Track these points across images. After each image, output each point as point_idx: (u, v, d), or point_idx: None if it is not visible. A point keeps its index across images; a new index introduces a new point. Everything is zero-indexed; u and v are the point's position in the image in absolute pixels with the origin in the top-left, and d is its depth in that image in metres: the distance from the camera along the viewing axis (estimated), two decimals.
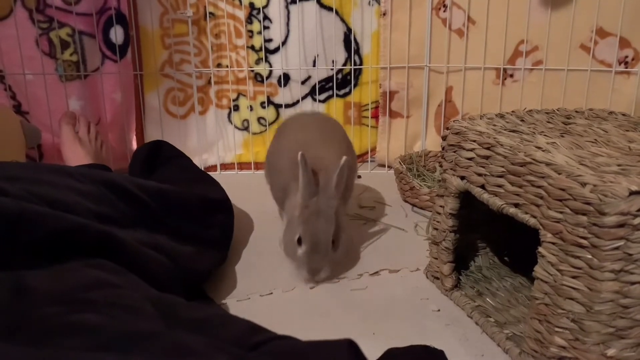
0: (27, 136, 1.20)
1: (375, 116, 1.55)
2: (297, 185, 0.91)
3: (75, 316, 0.42)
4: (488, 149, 0.76)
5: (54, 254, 0.62)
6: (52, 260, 0.61)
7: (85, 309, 0.43)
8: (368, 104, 1.53)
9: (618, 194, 0.56)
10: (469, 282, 0.91)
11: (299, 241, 0.89)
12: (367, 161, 1.57)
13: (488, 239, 0.98)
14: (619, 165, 0.62)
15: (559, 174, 0.64)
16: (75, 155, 1.12)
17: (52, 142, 1.36)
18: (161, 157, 1.11)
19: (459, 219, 0.86)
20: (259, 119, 1.54)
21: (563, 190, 0.62)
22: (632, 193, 0.56)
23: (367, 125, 1.55)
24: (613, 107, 1.28)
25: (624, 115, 0.90)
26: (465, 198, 0.84)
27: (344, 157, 0.90)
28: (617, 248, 0.58)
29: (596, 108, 0.94)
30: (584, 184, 0.60)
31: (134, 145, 1.49)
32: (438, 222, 0.89)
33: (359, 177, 1.44)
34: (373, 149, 1.57)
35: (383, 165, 1.55)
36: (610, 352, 0.60)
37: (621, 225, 0.57)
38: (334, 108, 1.53)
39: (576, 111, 0.91)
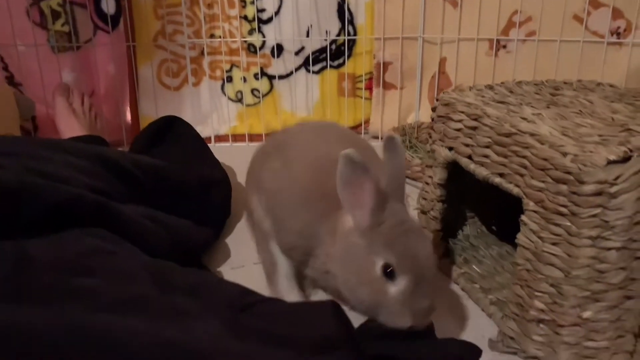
0: (20, 108, 1.20)
1: (369, 87, 1.55)
2: (332, 209, 0.65)
3: (74, 282, 0.44)
4: (475, 120, 0.78)
5: (53, 224, 0.64)
6: (52, 230, 0.63)
7: (84, 275, 0.45)
8: (362, 75, 1.53)
9: (596, 163, 0.58)
10: (457, 250, 0.93)
11: (388, 272, 0.59)
12: (361, 133, 1.58)
13: (477, 209, 1.00)
14: (600, 135, 0.64)
15: (542, 144, 0.65)
16: (70, 127, 1.13)
17: (47, 113, 1.36)
18: (170, 134, 1.11)
19: (447, 189, 0.88)
20: (253, 90, 1.54)
21: (545, 160, 0.64)
22: (609, 162, 0.58)
23: (361, 97, 1.56)
24: (605, 78, 1.28)
25: (611, 86, 0.91)
26: (455, 169, 0.86)
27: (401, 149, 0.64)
28: (594, 215, 0.60)
29: (586, 80, 0.95)
30: (565, 154, 0.62)
31: (129, 118, 1.50)
32: (426, 192, 0.91)
33: None
34: (367, 121, 1.57)
35: (377, 137, 1.56)
36: (586, 314, 0.63)
37: (599, 194, 0.59)
38: (328, 79, 1.53)
39: (565, 82, 0.92)
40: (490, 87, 0.89)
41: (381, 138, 1.53)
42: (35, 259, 0.49)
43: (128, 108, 1.49)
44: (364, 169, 0.59)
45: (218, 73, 1.52)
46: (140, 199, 0.84)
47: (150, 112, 1.49)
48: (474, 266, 0.88)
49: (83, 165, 0.81)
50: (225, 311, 0.43)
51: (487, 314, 0.79)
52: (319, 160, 0.72)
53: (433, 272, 0.62)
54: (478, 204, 0.99)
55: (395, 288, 0.59)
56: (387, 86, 1.53)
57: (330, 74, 1.53)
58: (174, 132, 1.09)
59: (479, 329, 0.77)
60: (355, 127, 1.58)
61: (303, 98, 1.56)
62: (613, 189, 0.58)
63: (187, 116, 1.51)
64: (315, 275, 0.69)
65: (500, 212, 0.99)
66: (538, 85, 0.91)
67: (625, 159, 0.58)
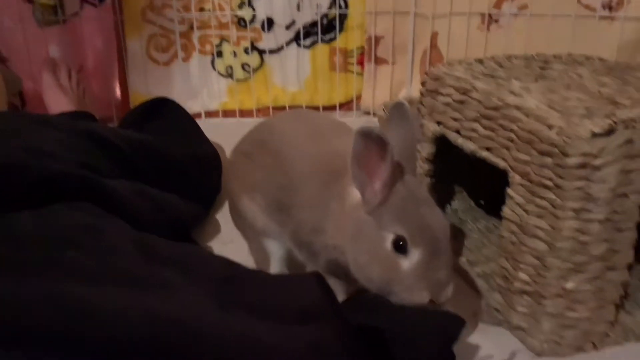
0: (7, 84, 1.19)
1: (361, 62, 1.54)
2: (338, 189, 0.64)
3: (59, 255, 0.45)
4: (464, 94, 0.77)
5: (40, 199, 0.64)
6: (39, 205, 0.63)
7: (69, 249, 0.46)
8: (353, 50, 1.52)
9: (581, 135, 0.58)
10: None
11: (400, 246, 0.57)
12: (353, 109, 1.57)
13: (466, 184, 1.00)
14: (586, 108, 0.64)
15: (528, 117, 0.65)
16: (57, 102, 1.12)
17: (34, 89, 1.34)
18: (160, 112, 1.11)
19: (435, 164, 0.88)
20: (243, 65, 1.52)
21: (531, 133, 0.64)
22: (594, 135, 0.58)
23: (353, 72, 1.55)
24: (597, 52, 1.27)
25: (601, 60, 0.90)
26: (444, 144, 0.86)
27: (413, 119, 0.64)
28: (578, 188, 0.60)
29: (577, 53, 0.95)
30: (550, 127, 0.62)
31: (118, 94, 1.48)
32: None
33: None
34: (358, 97, 1.57)
35: (368, 113, 1.55)
36: (569, 285, 0.64)
37: (583, 166, 0.59)
38: (319, 54, 1.51)
39: (554, 56, 0.92)
40: (480, 61, 0.89)
41: (373, 114, 1.53)
42: (20, 234, 0.49)
43: (117, 84, 1.48)
44: (382, 143, 0.56)
45: (208, 48, 1.51)
46: (128, 175, 0.84)
47: (140, 88, 1.47)
48: (459, 240, 0.89)
49: (71, 141, 0.81)
50: (209, 282, 0.43)
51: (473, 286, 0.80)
52: (311, 141, 0.71)
53: (448, 243, 0.59)
54: (467, 179, 1.00)
55: (408, 262, 0.57)
56: (378, 61, 1.51)
57: (322, 49, 1.51)
58: (163, 110, 1.09)
59: (464, 301, 0.78)
60: (347, 103, 1.57)
61: (294, 73, 1.55)
62: (597, 162, 0.58)
63: (177, 91, 1.50)
64: (324, 253, 0.67)
65: (489, 187, 1.00)
66: (528, 59, 0.91)
67: (610, 132, 0.58)
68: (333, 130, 0.76)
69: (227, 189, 0.83)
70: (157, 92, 1.40)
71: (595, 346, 0.69)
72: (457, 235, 0.91)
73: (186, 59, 1.50)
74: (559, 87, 0.74)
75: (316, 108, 1.53)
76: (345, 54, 1.53)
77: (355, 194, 0.62)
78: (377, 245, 0.58)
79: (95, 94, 1.42)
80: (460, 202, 0.99)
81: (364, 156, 0.57)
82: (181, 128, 1.06)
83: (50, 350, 0.32)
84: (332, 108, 1.55)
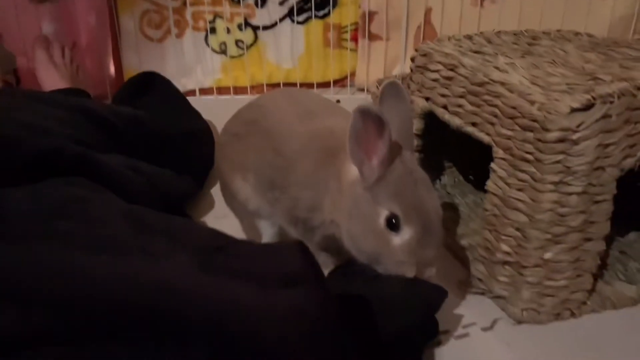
0: (1, 61, 1.19)
1: (355, 39, 1.54)
2: (336, 164, 0.65)
3: (49, 226, 0.46)
4: (451, 70, 0.79)
5: (35, 174, 0.66)
6: (34, 179, 0.65)
7: (58, 219, 0.47)
8: (347, 26, 1.52)
9: (560, 111, 0.60)
10: None
11: (393, 223, 0.60)
12: (347, 86, 1.58)
13: (455, 159, 1.02)
14: (568, 84, 0.65)
15: (512, 92, 0.67)
16: (51, 79, 1.13)
17: (28, 66, 1.34)
18: (150, 88, 1.12)
19: (424, 139, 0.90)
20: (237, 41, 1.52)
21: (514, 108, 0.66)
22: (573, 110, 0.60)
23: (347, 49, 1.55)
24: (588, 28, 1.28)
25: (589, 36, 0.91)
26: (434, 119, 0.87)
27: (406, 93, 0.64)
28: (557, 162, 0.62)
29: (567, 30, 0.95)
30: (532, 102, 0.64)
31: (112, 71, 1.48)
32: None
33: (338, 101, 1.46)
34: (352, 73, 1.57)
35: (362, 90, 1.56)
36: (547, 255, 0.67)
37: (562, 141, 0.61)
38: (313, 30, 1.51)
39: (543, 32, 0.93)
40: (469, 37, 0.90)
41: (367, 90, 1.53)
42: (13, 206, 0.51)
43: (111, 60, 1.48)
44: (380, 121, 0.57)
45: (201, 24, 1.50)
46: (121, 149, 0.85)
47: (134, 65, 1.48)
48: (449, 214, 0.92)
49: (64, 116, 0.82)
50: (195, 250, 0.45)
51: (458, 258, 0.83)
52: (303, 120, 0.72)
53: (440, 224, 0.61)
54: (457, 154, 1.01)
55: (399, 239, 0.60)
56: (372, 37, 1.51)
57: (316, 25, 1.51)
58: (154, 86, 1.10)
59: (451, 272, 0.81)
60: (341, 80, 1.57)
61: (288, 49, 1.55)
62: (575, 136, 0.60)
63: (171, 68, 1.50)
64: (321, 229, 0.69)
65: (478, 162, 1.01)
66: (517, 35, 0.91)
67: (588, 107, 0.60)
68: (324, 109, 0.77)
69: (218, 169, 0.84)
70: (151, 68, 1.39)
71: (573, 314, 0.72)
72: (446, 209, 0.93)
73: (179, 35, 1.50)
74: (544, 63, 0.75)
75: (310, 85, 1.53)
76: (339, 30, 1.53)
77: (352, 171, 0.63)
78: (372, 220, 0.60)
79: (89, 71, 1.42)
80: (450, 177, 1.01)
81: (362, 134, 0.59)
82: (172, 103, 1.07)
83: (37, 309, 0.34)
84: (326, 85, 1.55)
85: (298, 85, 1.52)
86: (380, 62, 1.53)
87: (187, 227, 0.52)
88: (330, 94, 1.50)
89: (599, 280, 0.76)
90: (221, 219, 0.95)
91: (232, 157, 0.78)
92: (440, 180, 1.01)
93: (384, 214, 0.60)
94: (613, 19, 1.28)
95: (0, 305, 0.34)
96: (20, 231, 0.45)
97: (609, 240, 0.84)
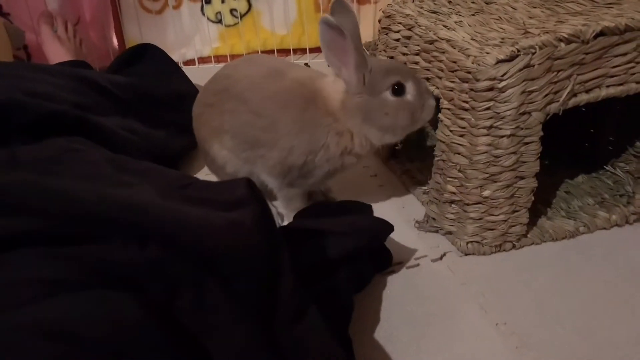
0: (11, 38, 1.29)
1: None
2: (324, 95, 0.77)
3: (45, 168, 0.57)
4: (409, 29, 0.86)
5: (40, 134, 0.76)
6: (40, 139, 0.75)
7: (56, 165, 0.58)
8: None
9: (487, 62, 0.68)
10: (403, 152, 1.04)
11: (399, 90, 0.74)
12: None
13: None
14: (502, 39, 0.72)
15: (454, 48, 0.74)
16: (56, 53, 1.23)
17: (36, 41, 1.45)
18: (143, 57, 1.21)
19: None
20: (232, 10, 1.60)
21: (454, 62, 0.73)
22: (499, 61, 0.67)
23: None
24: None
25: None
26: None
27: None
28: (488, 108, 0.70)
29: None
30: (468, 56, 0.71)
31: (115, 44, 1.58)
32: None
33: (307, 65, 1.54)
34: None
35: None
36: (486, 193, 0.75)
37: (490, 89, 0.69)
38: None
39: None
40: None
41: None
42: (21, 159, 0.61)
43: (114, 33, 1.57)
44: (339, 30, 0.70)
45: None
46: (119, 111, 0.96)
47: (136, 37, 1.57)
48: (416, 163, 1.00)
49: (66, 84, 0.92)
50: (162, 184, 0.55)
51: (419, 200, 0.92)
52: (272, 79, 0.80)
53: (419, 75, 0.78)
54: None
55: (410, 95, 0.75)
56: (361, 1, 1.57)
57: None
58: (146, 55, 1.19)
59: (411, 213, 0.90)
60: None
61: (281, 16, 1.62)
62: (501, 84, 0.68)
63: (171, 39, 1.59)
64: (321, 168, 0.79)
65: None
66: None
67: (512, 58, 0.67)
68: (286, 67, 0.85)
69: (197, 139, 0.90)
70: (152, 40, 1.49)
71: (514, 245, 0.81)
72: (414, 159, 1.02)
73: (177, 7, 1.58)
74: (491, 20, 0.82)
75: (304, 50, 1.61)
76: None
77: (336, 95, 0.77)
78: (383, 104, 0.75)
79: (95, 43, 1.52)
80: (423, 133, 1.09)
81: (330, 42, 0.72)
82: (163, 69, 1.16)
83: (24, 217, 0.44)
84: (319, 50, 1.62)
85: (291, 50, 1.60)
86: (370, 24, 1.59)
87: (160, 170, 0.62)
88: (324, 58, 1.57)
89: (542, 217, 0.85)
90: (211, 175, 1.05)
91: (208, 123, 0.85)
92: (416, 137, 1.09)
93: (387, 90, 0.75)
94: None
95: None
96: (24, 168, 0.56)
97: (556, 181, 0.93)
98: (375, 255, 0.75)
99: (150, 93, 1.04)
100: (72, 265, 0.43)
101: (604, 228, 0.84)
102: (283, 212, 0.89)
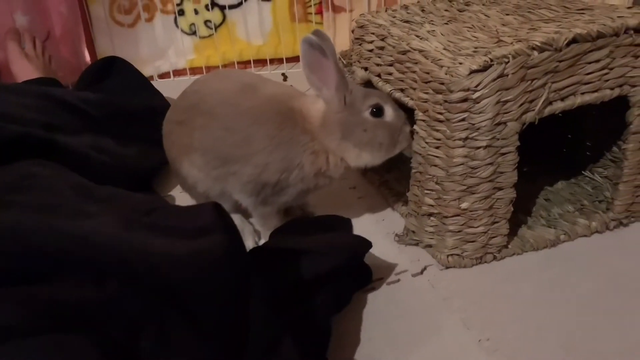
0: None
1: (320, 12, 1.58)
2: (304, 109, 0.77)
3: (6, 198, 0.54)
4: (382, 40, 0.85)
5: (3, 158, 0.73)
6: (2, 163, 0.72)
7: (13, 193, 0.55)
8: (311, 0, 1.56)
9: (461, 73, 0.66)
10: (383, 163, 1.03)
11: (377, 112, 0.76)
12: None
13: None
14: (475, 48, 0.71)
15: (427, 59, 0.73)
16: (23, 71, 1.19)
17: (3, 59, 1.41)
18: (111, 71, 1.18)
19: None
20: (206, 22, 1.57)
21: (428, 73, 0.72)
22: (472, 72, 0.66)
23: (312, 22, 1.59)
24: None
25: None
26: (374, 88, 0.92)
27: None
28: (463, 120, 0.69)
29: None
30: (441, 67, 0.70)
31: (87, 58, 1.55)
32: None
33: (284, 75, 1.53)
34: None
35: None
36: (464, 205, 0.74)
37: (464, 100, 0.67)
38: (279, 5, 1.56)
39: None
40: (406, 7, 0.95)
41: None
42: None
43: (85, 48, 1.54)
44: (321, 50, 0.71)
45: (169, 7, 1.55)
46: (91, 129, 0.92)
47: (108, 51, 1.53)
48: (394, 174, 0.99)
49: (31, 103, 0.89)
50: (126, 212, 0.53)
51: (398, 212, 0.90)
52: (245, 95, 0.78)
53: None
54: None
55: (389, 117, 0.77)
56: (336, 9, 1.56)
57: (281, 0, 1.56)
58: (114, 69, 1.16)
59: (391, 226, 0.88)
60: None
61: (257, 26, 1.60)
62: (475, 95, 0.67)
63: (144, 52, 1.56)
64: (295, 186, 0.77)
65: None
66: (451, 1, 0.96)
67: (486, 68, 0.66)
68: (259, 81, 0.83)
69: (168, 157, 0.88)
70: (124, 54, 1.45)
71: (495, 257, 0.79)
72: (392, 170, 1.00)
73: (149, 19, 1.55)
74: (464, 29, 0.81)
75: (280, 60, 1.59)
76: (304, 3, 1.58)
77: (316, 112, 0.77)
78: (364, 123, 0.76)
79: (66, 59, 1.48)
80: None
81: (311, 62, 0.73)
82: (132, 83, 1.14)
83: None
84: (296, 59, 1.60)
85: (268, 61, 1.58)
86: (346, 33, 1.57)
87: (124, 195, 0.60)
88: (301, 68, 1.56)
89: (522, 226, 0.84)
90: (185, 192, 1.02)
91: (178, 141, 0.83)
92: None
93: (367, 111, 0.76)
94: None
95: None
96: None
97: (536, 188, 0.92)
98: (355, 273, 0.73)
99: (122, 109, 1.01)
100: (22, 309, 0.40)
101: (585, 235, 0.83)
102: (260, 229, 0.87)
